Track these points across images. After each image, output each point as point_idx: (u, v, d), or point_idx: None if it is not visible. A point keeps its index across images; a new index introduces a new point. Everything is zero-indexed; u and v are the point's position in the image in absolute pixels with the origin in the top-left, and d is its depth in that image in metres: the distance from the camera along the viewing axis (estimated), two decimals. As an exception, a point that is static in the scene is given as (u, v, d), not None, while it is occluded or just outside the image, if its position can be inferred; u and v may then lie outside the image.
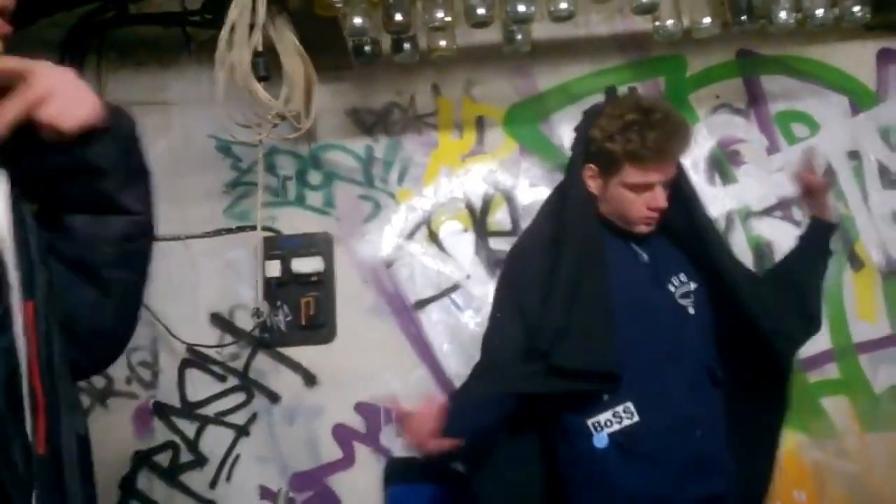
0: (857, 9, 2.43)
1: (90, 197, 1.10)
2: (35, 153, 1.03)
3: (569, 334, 1.82)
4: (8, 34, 1.00)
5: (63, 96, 1.01)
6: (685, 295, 1.94)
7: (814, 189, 2.06)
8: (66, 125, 1.00)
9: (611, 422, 1.83)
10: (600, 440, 1.83)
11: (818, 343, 2.66)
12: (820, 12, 2.44)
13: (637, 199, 1.88)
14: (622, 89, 2.75)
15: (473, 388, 1.95)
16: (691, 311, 1.93)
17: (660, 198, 1.88)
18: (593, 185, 1.94)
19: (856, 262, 2.73)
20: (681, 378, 1.86)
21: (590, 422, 1.84)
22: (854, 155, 2.78)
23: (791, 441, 2.62)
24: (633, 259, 1.94)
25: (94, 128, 1.05)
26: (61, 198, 1.09)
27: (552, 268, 1.89)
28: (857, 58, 2.81)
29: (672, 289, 1.93)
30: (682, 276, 1.95)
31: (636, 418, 1.83)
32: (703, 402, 1.89)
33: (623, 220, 1.93)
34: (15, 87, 0.99)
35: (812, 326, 2.10)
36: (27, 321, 0.96)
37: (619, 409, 1.83)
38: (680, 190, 1.98)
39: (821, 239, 2.11)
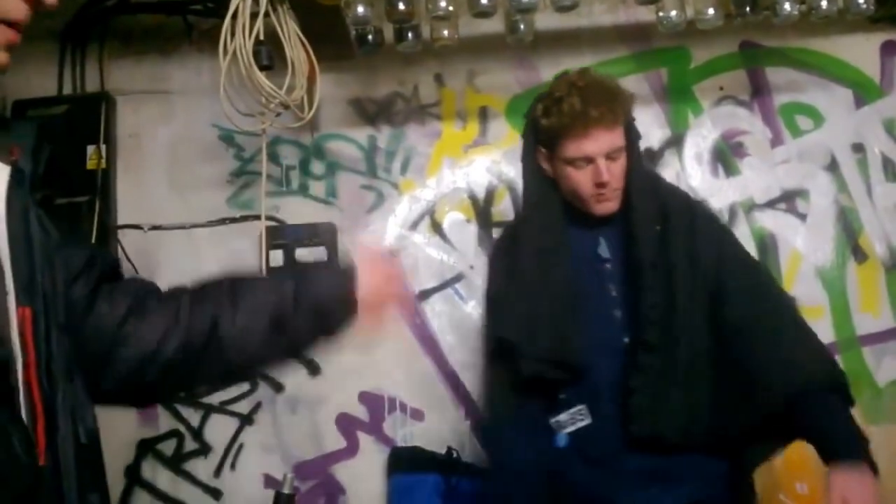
0: (861, 1, 2.41)
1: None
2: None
3: (535, 325, 1.80)
4: (16, 44, 0.99)
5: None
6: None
7: None
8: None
9: (567, 422, 1.81)
10: (561, 439, 1.82)
11: (821, 335, 2.63)
12: (824, 4, 2.44)
13: (581, 175, 1.82)
14: (625, 84, 2.75)
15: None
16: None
17: (602, 170, 1.79)
18: (548, 167, 1.89)
19: (859, 254, 2.73)
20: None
21: (552, 420, 1.82)
22: (858, 147, 2.77)
23: (793, 433, 2.63)
24: (593, 253, 1.88)
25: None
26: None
27: (515, 259, 1.88)
28: (861, 50, 2.80)
29: (614, 294, 1.86)
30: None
31: (588, 420, 1.80)
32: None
33: (578, 201, 1.86)
34: None
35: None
36: (24, 328, 0.95)
37: (574, 410, 1.81)
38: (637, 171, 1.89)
39: None
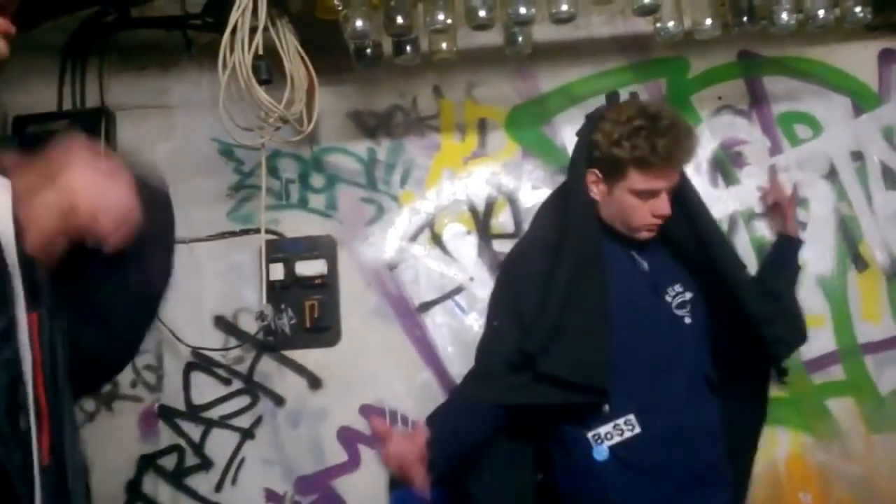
0: (858, 9, 2.42)
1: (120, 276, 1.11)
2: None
3: (560, 339, 1.81)
4: (11, 33, 0.99)
5: (105, 209, 0.95)
6: (681, 305, 1.93)
7: (782, 204, 2.06)
8: (111, 241, 0.96)
9: (611, 434, 1.82)
10: (600, 453, 1.81)
11: (823, 344, 2.67)
12: (821, 13, 2.44)
13: (642, 206, 1.88)
14: (624, 94, 2.77)
15: (458, 404, 1.94)
16: (687, 320, 1.92)
17: (664, 205, 1.87)
18: (596, 190, 1.93)
19: (860, 263, 2.72)
20: (680, 387, 1.86)
21: (590, 434, 1.82)
22: (857, 156, 2.77)
23: (796, 443, 2.62)
24: (632, 266, 1.94)
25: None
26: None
27: (551, 271, 1.88)
28: (859, 58, 2.80)
29: (668, 298, 1.93)
30: (679, 286, 1.94)
31: (637, 430, 1.81)
32: (701, 412, 1.88)
33: (625, 226, 1.92)
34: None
35: (800, 335, 2.15)
36: (32, 332, 0.96)
37: (621, 421, 1.82)
38: (683, 196, 1.97)
39: (790, 254, 2.16)
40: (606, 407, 1.82)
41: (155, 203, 1.12)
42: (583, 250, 1.89)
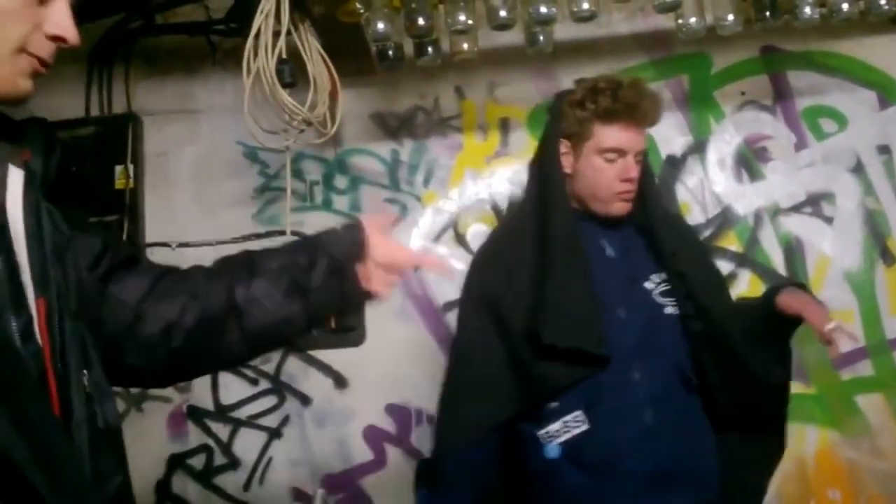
0: (883, 2, 2.39)
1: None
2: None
3: (558, 313, 1.74)
4: (41, 73, 1.04)
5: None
6: (666, 293, 1.84)
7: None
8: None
9: (560, 432, 1.74)
10: (552, 451, 1.74)
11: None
12: (845, 6, 2.41)
13: (609, 170, 1.83)
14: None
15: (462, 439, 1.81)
16: (669, 310, 1.83)
17: (631, 168, 1.83)
18: (567, 163, 1.88)
19: (888, 257, 2.70)
20: (647, 381, 1.75)
21: (540, 433, 1.75)
22: (884, 149, 2.75)
23: (825, 439, 2.60)
24: (600, 249, 1.87)
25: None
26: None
27: (540, 251, 1.82)
28: (883, 51, 2.78)
29: (650, 285, 1.84)
30: (664, 275, 1.85)
31: (585, 426, 1.73)
32: (671, 409, 1.76)
33: (596, 199, 1.86)
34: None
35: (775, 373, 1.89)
36: (40, 319, 0.99)
37: (569, 417, 1.73)
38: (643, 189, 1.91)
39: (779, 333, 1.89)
40: (555, 403, 1.74)
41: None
42: (562, 227, 1.83)
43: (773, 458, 1.95)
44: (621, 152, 1.83)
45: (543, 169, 1.93)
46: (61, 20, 1.03)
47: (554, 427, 1.74)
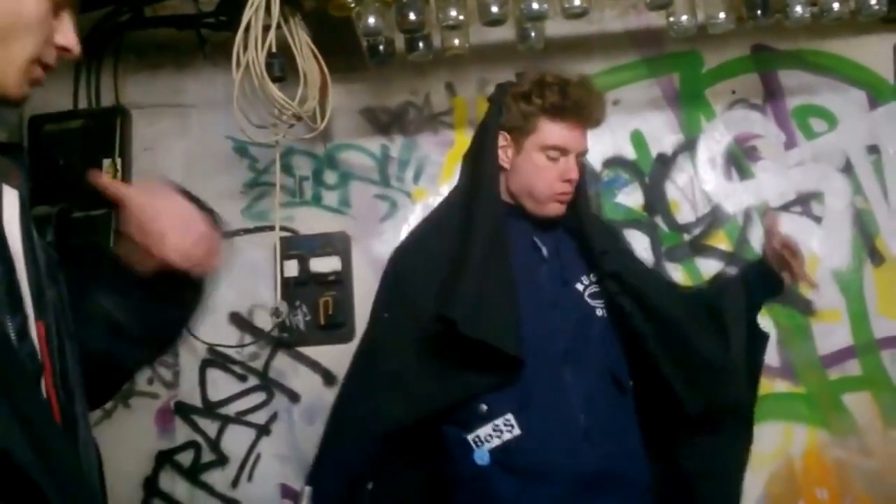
0: (873, 2, 2.40)
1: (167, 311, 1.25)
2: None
3: (478, 306, 1.66)
4: (42, 81, 1.08)
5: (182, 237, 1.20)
6: (595, 296, 1.81)
7: (783, 256, 1.83)
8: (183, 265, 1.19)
9: (490, 437, 1.67)
10: (481, 457, 1.67)
11: (839, 339, 2.66)
12: (836, 6, 2.42)
13: (550, 169, 1.78)
14: (637, 89, 2.76)
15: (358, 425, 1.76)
16: (599, 312, 1.79)
17: (573, 169, 1.78)
18: (505, 157, 1.83)
19: (876, 257, 2.71)
20: (579, 384, 1.71)
21: (469, 437, 1.68)
22: (873, 149, 2.76)
23: (813, 438, 2.61)
24: (532, 248, 1.82)
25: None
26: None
27: (462, 243, 1.75)
28: (874, 51, 2.78)
29: (580, 287, 1.81)
30: (593, 277, 1.82)
31: (517, 431, 1.66)
32: (603, 412, 1.72)
33: (532, 197, 1.81)
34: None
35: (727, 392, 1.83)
36: (40, 341, 0.98)
37: (499, 421, 1.67)
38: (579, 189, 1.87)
39: (762, 294, 1.89)
40: (484, 406, 1.68)
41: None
42: (488, 220, 1.77)
43: (743, 450, 1.89)
44: (564, 151, 1.79)
45: (477, 160, 1.86)
46: (69, 32, 1.09)
47: (483, 431, 1.68)
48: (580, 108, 1.78)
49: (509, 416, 1.67)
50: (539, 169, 1.80)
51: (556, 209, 1.82)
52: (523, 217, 1.84)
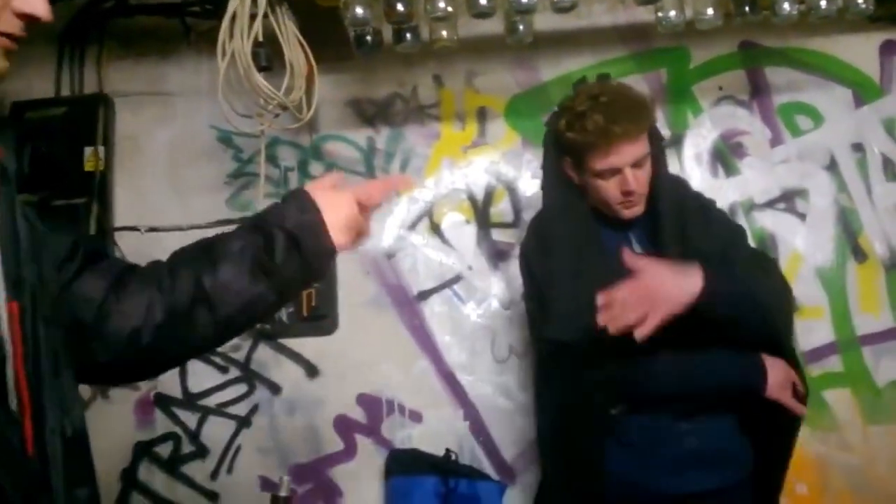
0: (860, 0, 2.41)
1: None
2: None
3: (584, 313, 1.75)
4: (13, 50, 1.02)
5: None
6: None
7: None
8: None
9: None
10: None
11: (821, 336, 2.67)
12: (823, 4, 2.42)
13: (609, 185, 1.88)
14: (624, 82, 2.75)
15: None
16: None
17: (628, 180, 1.85)
18: (575, 177, 1.95)
19: (859, 254, 2.72)
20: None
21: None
22: (858, 147, 2.77)
23: (793, 434, 2.62)
24: (627, 247, 1.88)
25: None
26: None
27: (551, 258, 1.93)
28: (860, 50, 2.79)
29: None
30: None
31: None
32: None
33: (605, 208, 1.93)
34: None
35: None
36: (12, 322, 0.96)
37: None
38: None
39: None
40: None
41: None
42: (576, 235, 1.92)
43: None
44: (614, 171, 1.86)
45: (548, 183, 2.03)
46: None
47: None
48: (607, 135, 1.82)
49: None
50: (599, 189, 1.90)
51: (629, 213, 1.92)
52: (614, 219, 1.95)
